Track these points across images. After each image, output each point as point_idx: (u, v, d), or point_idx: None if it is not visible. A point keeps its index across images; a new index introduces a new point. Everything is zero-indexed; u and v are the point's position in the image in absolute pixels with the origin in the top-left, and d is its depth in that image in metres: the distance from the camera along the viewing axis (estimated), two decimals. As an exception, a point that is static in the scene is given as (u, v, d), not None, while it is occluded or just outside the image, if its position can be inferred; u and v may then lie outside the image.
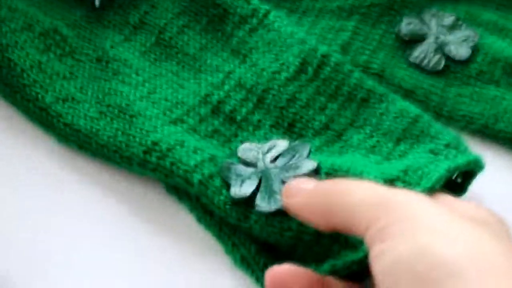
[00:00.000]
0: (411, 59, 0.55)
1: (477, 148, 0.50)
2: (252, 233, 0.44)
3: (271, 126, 0.49)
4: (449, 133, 0.47)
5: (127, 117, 0.48)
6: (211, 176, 0.45)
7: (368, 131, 0.48)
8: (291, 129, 0.49)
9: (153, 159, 0.46)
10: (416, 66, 0.55)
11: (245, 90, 0.50)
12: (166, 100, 0.50)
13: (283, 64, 0.50)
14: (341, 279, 0.40)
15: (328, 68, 0.50)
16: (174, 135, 0.47)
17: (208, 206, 0.45)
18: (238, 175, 0.45)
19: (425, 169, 0.43)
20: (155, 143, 0.46)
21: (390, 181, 0.42)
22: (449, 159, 0.45)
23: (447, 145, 0.46)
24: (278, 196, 0.43)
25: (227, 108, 0.49)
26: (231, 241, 0.45)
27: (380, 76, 0.55)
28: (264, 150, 0.46)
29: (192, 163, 0.45)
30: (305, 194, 0.39)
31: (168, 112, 0.49)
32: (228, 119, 0.49)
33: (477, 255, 0.31)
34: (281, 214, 0.43)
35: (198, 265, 0.45)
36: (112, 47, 0.52)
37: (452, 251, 0.31)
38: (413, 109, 0.49)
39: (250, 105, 0.49)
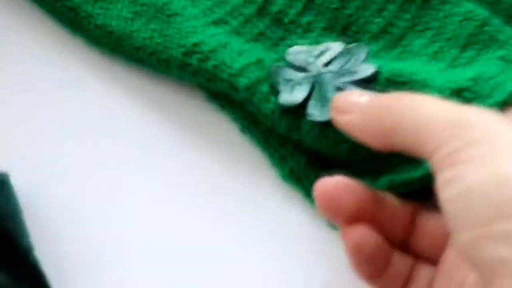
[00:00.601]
0: None
1: None
2: (303, 144, 0.41)
3: (323, 29, 0.45)
4: None
5: (164, 17, 0.45)
6: (258, 81, 0.41)
7: (430, 36, 0.44)
8: (345, 32, 0.45)
9: (194, 61, 0.43)
10: None
11: None
12: None
13: None
14: (398, 196, 0.37)
15: None
16: (216, 37, 0.43)
17: (254, 114, 0.42)
18: (288, 80, 0.41)
19: (497, 79, 0.39)
20: (195, 44, 0.43)
21: (458, 91, 0.38)
22: None
23: None
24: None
25: (274, 8, 0.45)
26: (278, 152, 0.42)
27: None
28: (316, 53, 0.42)
29: (237, 66, 0.42)
30: (359, 109, 0.35)
31: (208, 12, 0.45)
32: (275, 21, 0.45)
33: None
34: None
35: (242, 179, 0.43)
36: None
37: None
38: (481, 11, 0.45)
39: (299, 5, 0.45)
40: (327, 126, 0.39)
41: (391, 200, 0.37)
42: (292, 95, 0.40)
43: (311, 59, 0.42)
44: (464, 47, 0.43)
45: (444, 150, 0.31)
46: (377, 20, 0.45)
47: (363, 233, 0.35)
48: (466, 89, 0.38)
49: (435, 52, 0.43)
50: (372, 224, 0.36)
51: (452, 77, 0.40)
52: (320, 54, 0.42)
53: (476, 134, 0.31)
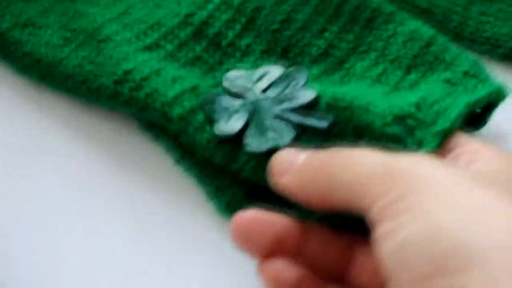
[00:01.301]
0: None
1: (503, 75, 0.45)
2: (240, 176, 0.39)
3: (262, 51, 0.43)
4: (467, 58, 0.42)
5: (95, 42, 0.43)
6: (193, 110, 0.39)
7: (373, 58, 0.43)
8: (285, 55, 0.43)
9: (126, 90, 0.40)
10: None
11: (232, 9, 0.44)
12: (140, 21, 0.44)
13: None
14: (330, 228, 0.36)
15: None
16: (149, 63, 0.41)
17: (189, 145, 0.40)
18: (224, 108, 0.39)
19: (442, 104, 0.38)
20: (127, 72, 0.41)
21: (401, 118, 0.36)
22: (468, 90, 0.39)
23: (465, 73, 0.40)
24: (270, 133, 0.38)
25: (211, 30, 0.43)
26: (214, 184, 0.40)
27: None
28: (254, 78, 0.40)
29: (171, 94, 0.39)
30: (297, 170, 0.34)
31: (142, 36, 0.43)
32: (212, 44, 0.43)
33: (506, 241, 0.27)
34: (274, 153, 0.37)
35: (176, 212, 0.40)
36: None
37: (476, 234, 0.27)
38: (426, 31, 0.43)
39: (238, 27, 0.43)
40: (266, 157, 0.37)
41: (321, 231, 0.35)
42: (228, 125, 0.38)
43: (249, 85, 0.40)
44: (408, 69, 0.41)
45: (380, 204, 0.30)
46: (318, 42, 0.43)
47: (280, 267, 0.34)
48: (409, 115, 0.37)
49: (379, 75, 0.42)
50: (297, 257, 0.34)
51: (395, 101, 0.38)
52: (258, 79, 0.40)
53: (411, 184, 0.30)
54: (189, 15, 0.44)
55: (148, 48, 0.43)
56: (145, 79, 0.40)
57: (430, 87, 0.39)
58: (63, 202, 0.41)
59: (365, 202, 0.31)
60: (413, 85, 0.41)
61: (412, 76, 0.41)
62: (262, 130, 0.38)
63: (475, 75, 0.40)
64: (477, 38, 0.48)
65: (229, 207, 0.39)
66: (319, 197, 0.33)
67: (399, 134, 0.35)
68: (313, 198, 0.34)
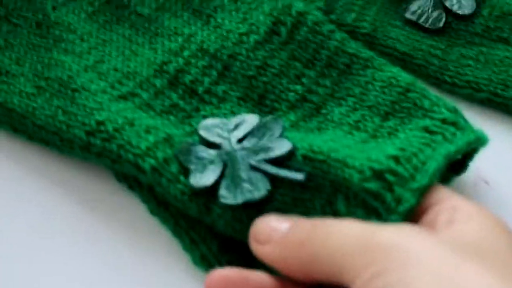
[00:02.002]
0: (407, 15, 0.50)
1: (484, 119, 0.45)
2: (215, 228, 0.38)
3: (239, 98, 0.42)
4: (446, 105, 0.41)
5: (68, 92, 0.42)
6: (166, 161, 0.38)
7: (351, 104, 0.42)
8: (262, 101, 0.42)
9: (98, 141, 0.40)
10: (412, 23, 0.50)
11: (208, 56, 0.43)
12: (115, 70, 0.43)
13: (252, 24, 0.44)
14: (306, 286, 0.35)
15: (305, 29, 0.44)
16: (123, 113, 0.41)
17: (163, 196, 0.39)
18: (199, 159, 0.38)
19: (421, 156, 0.37)
20: (100, 123, 0.40)
21: (380, 173, 0.36)
22: (447, 139, 0.39)
23: (443, 121, 0.40)
24: (245, 185, 0.37)
25: (187, 78, 0.43)
26: (189, 236, 0.39)
27: (371, 37, 0.49)
28: (230, 127, 0.40)
29: (143, 145, 0.39)
30: (278, 241, 0.34)
31: (117, 85, 0.42)
32: (188, 91, 0.43)
33: None
34: (250, 206, 0.37)
35: (152, 264, 0.40)
36: (54, 8, 0.45)
37: None
38: (404, 77, 0.43)
39: (214, 73, 0.43)
40: (241, 209, 0.37)
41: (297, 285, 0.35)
42: (203, 176, 0.38)
43: (224, 134, 0.39)
44: (386, 115, 0.41)
45: (363, 277, 0.30)
46: (295, 87, 0.43)
47: None
48: (387, 170, 0.36)
49: (357, 121, 0.41)
50: None
51: (373, 154, 0.37)
52: (234, 128, 0.40)
53: (394, 259, 0.30)
54: (165, 63, 0.43)
55: (123, 97, 0.42)
56: (118, 130, 0.40)
57: (408, 137, 0.39)
58: (35, 250, 0.40)
59: (348, 275, 0.30)
60: (391, 133, 0.40)
61: (390, 123, 0.40)
62: (237, 182, 0.37)
63: (454, 122, 0.39)
64: (458, 82, 0.48)
65: (204, 260, 0.38)
66: (301, 269, 0.33)
67: (377, 190, 0.35)
68: (295, 269, 0.33)
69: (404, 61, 0.48)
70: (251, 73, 0.43)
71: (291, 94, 0.42)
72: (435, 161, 0.36)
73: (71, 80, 0.42)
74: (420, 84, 0.42)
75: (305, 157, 0.37)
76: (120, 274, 0.39)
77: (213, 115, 0.42)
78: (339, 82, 0.43)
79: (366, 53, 0.44)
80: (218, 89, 0.43)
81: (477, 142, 0.39)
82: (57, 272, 0.39)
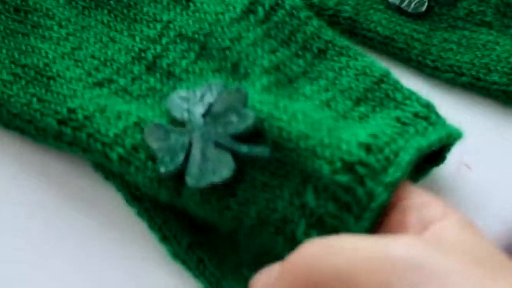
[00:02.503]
0: None
1: (466, 103, 0.46)
2: (187, 210, 0.37)
3: (214, 71, 0.42)
4: (418, 99, 0.40)
5: (44, 79, 0.42)
6: (134, 148, 0.38)
7: (322, 85, 0.42)
8: (235, 69, 0.42)
9: (69, 130, 0.39)
10: (395, 8, 0.49)
11: (186, 40, 0.43)
12: (92, 57, 0.43)
13: (229, 4, 0.44)
14: None
15: (283, 11, 0.44)
16: (96, 100, 0.40)
17: (135, 188, 0.39)
18: (164, 141, 0.37)
19: (393, 146, 0.36)
20: (71, 111, 0.40)
21: (351, 165, 0.35)
22: (419, 133, 0.38)
23: (415, 115, 0.39)
24: (210, 166, 0.36)
25: (165, 62, 0.42)
26: (161, 232, 0.39)
27: (353, 21, 0.49)
28: (196, 99, 0.38)
29: (111, 133, 0.38)
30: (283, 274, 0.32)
31: (94, 72, 0.42)
32: (165, 74, 0.42)
33: None
34: (220, 188, 0.36)
35: (130, 256, 0.39)
36: None
37: None
38: (378, 67, 0.42)
39: (192, 55, 0.43)
40: (210, 191, 0.36)
41: None
42: (169, 160, 0.37)
43: (190, 107, 0.38)
44: (358, 101, 0.40)
45: None
46: (268, 57, 0.42)
47: None
48: (358, 162, 0.35)
49: (328, 100, 0.40)
50: None
51: (344, 140, 0.36)
52: (199, 99, 0.38)
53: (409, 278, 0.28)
54: (143, 50, 0.43)
55: (99, 84, 0.41)
56: (88, 117, 0.39)
57: (380, 124, 0.38)
58: (10, 247, 0.40)
59: None
60: (362, 118, 0.40)
61: (361, 109, 0.40)
62: (202, 163, 0.36)
63: (426, 117, 0.39)
64: (440, 66, 0.47)
65: (176, 256, 0.38)
66: None
67: (348, 183, 0.34)
68: None
69: (386, 44, 0.48)
70: (225, 45, 0.42)
71: (265, 61, 0.41)
72: (407, 154, 0.36)
73: (47, 67, 0.42)
74: (394, 76, 0.42)
75: (276, 144, 0.37)
76: (96, 264, 0.39)
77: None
78: (312, 64, 0.42)
79: (342, 41, 0.43)
80: (196, 67, 0.42)
81: (450, 138, 0.39)
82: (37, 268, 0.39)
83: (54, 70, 0.42)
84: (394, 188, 0.34)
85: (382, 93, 0.41)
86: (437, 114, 0.40)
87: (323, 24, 0.44)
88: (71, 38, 0.43)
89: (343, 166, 0.35)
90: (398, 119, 0.38)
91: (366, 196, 0.34)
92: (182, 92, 0.39)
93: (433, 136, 0.38)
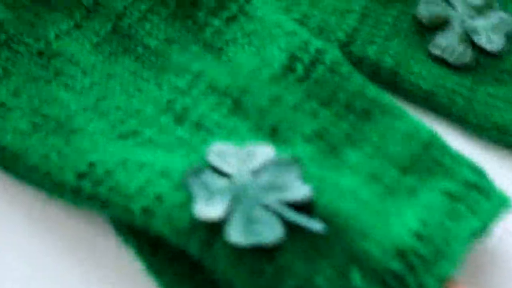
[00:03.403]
0: (432, 48, 0.47)
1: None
2: (214, 270, 0.35)
3: (250, 130, 0.39)
4: (469, 164, 0.38)
5: (65, 132, 0.39)
6: (159, 197, 0.35)
7: (368, 150, 0.39)
8: (275, 133, 0.39)
9: (88, 184, 0.37)
10: (437, 58, 0.47)
11: (217, 92, 0.41)
12: (118, 108, 0.41)
13: (265, 59, 0.41)
14: None
15: (322, 67, 0.41)
16: (119, 152, 0.38)
17: (160, 241, 0.36)
18: (206, 186, 0.35)
19: (444, 234, 0.35)
20: (91, 164, 0.37)
21: (403, 252, 0.33)
22: (471, 210, 0.36)
23: (466, 184, 0.37)
24: (257, 226, 0.34)
25: (195, 114, 0.40)
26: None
27: (394, 73, 0.46)
28: (242, 156, 0.36)
29: (133, 185, 0.36)
30: None
31: (118, 124, 0.40)
32: (195, 126, 0.40)
33: None
34: (257, 250, 0.34)
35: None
36: (57, 36, 0.43)
37: None
38: (425, 130, 0.40)
39: (224, 110, 0.40)
40: (247, 251, 0.34)
41: None
42: (209, 206, 0.34)
43: (236, 163, 0.36)
44: (404, 171, 0.38)
45: None
46: (310, 122, 0.40)
47: None
48: (411, 250, 0.33)
49: (374, 171, 0.38)
50: None
51: (394, 228, 0.34)
52: (246, 157, 0.36)
53: None
54: (171, 101, 0.41)
55: (123, 136, 0.39)
56: (109, 171, 0.37)
57: (429, 202, 0.36)
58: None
59: None
60: (410, 192, 0.37)
61: (408, 180, 0.38)
62: (248, 221, 0.34)
63: (477, 185, 0.37)
64: (483, 124, 0.45)
65: None
66: None
67: (400, 271, 0.33)
68: None
69: (426, 99, 0.46)
70: (263, 104, 0.40)
71: (307, 128, 0.39)
72: (459, 244, 0.34)
73: (68, 120, 0.40)
74: (441, 138, 0.40)
75: (324, 219, 0.34)
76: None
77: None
78: (356, 126, 0.40)
79: (385, 98, 0.41)
80: (229, 122, 0.40)
81: (504, 209, 0.37)
82: None
83: (75, 123, 0.40)
84: (445, 282, 0.33)
85: (430, 160, 0.38)
86: (488, 182, 0.37)
87: (365, 79, 0.42)
88: (95, 87, 0.41)
89: (395, 252, 0.33)
90: (447, 193, 0.36)
91: (416, 286, 0.32)
92: (226, 144, 0.37)
93: (486, 215, 0.35)
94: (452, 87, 0.45)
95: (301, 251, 0.34)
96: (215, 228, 0.34)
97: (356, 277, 0.33)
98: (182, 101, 0.40)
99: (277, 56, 0.41)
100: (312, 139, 0.39)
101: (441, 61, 0.46)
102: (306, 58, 0.41)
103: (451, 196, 0.36)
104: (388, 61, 0.46)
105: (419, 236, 0.34)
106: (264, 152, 0.37)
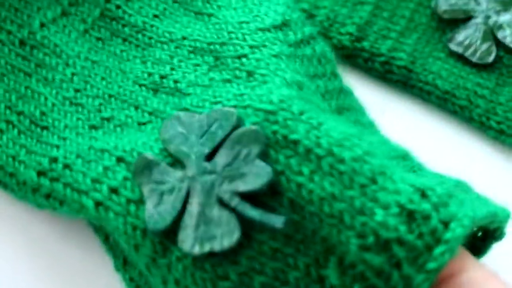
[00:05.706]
0: (452, 46, 0.43)
1: None
2: (170, 274, 0.31)
3: (225, 81, 0.36)
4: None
5: (37, 130, 0.37)
6: (114, 190, 0.33)
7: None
8: (251, 77, 0.35)
9: (47, 181, 0.35)
10: (458, 56, 0.43)
11: (199, 52, 0.37)
12: (96, 97, 0.38)
13: (257, 16, 0.38)
14: None
15: (311, 51, 0.38)
16: (85, 143, 0.35)
17: (116, 240, 0.34)
18: (157, 183, 0.32)
19: (442, 212, 0.29)
20: (53, 160, 0.35)
21: (386, 242, 0.29)
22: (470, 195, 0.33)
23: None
24: (211, 228, 0.30)
25: (171, 80, 0.37)
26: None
27: (409, 71, 0.43)
28: (199, 129, 0.33)
29: (89, 178, 0.33)
30: None
31: (94, 114, 0.37)
32: (171, 92, 0.36)
33: None
34: (218, 253, 0.30)
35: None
36: (42, 25, 0.40)
37: None
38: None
39: (204, 68, 0.37)
40: (205, 257, 0.30)
41: None
42: (159, 211, 0.31)
43: (191, 142, 0.32)
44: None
45: None
46: (292, 73, 0.36)
47: None
48: (396, 239, 0.28)
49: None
50: None
51: (379, 209, 0.29)
52: (204, 131, 0.32)
53: None
54: (151, 74, 0.38)
55: (95, 126, 0.37)
56: (68, 166, 0.34)
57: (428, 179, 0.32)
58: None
59: None
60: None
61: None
62: (201, 222, 0.30)
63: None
64: (506, 129, 0.42)
65: None
66: None
67: (381, 266, 0.28)
68: None
69: (445, 100, 0.43)
70: (242, 52, 0.36)
71: (288, 75, 0.35)
72: (460, 225, 0.29)
73: (43, 116, 0.37)
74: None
75: (292, 202, 0.30)
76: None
77: (192, 106, 0.35)
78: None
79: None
80: (205, 78, 0.36)
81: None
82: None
83: (50, 119, 0.37)
84: (439, 271, 0.28)
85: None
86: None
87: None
88: (75, 79, 0.38)
89: (376, 241, 0.29)
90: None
91: (402, 284, 0.28)
92: (182, 116, 0.33)
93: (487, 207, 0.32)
94: (474, 88, 0.42)
95: (269, 247, 0.30)
96: (172, 231, 0.31)
97: (332, 271, 0.29)
98: (162, 70, 0.37)
99: (271, 16, 0.38)
100: (292, 86, 0.35)
101: (461, 60, 0.43)
102: (299, 33, 0.38)
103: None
104: (403, 58, 0.43)
105: (408, 222, 0.29)
106: (223, 119, 0.32)
